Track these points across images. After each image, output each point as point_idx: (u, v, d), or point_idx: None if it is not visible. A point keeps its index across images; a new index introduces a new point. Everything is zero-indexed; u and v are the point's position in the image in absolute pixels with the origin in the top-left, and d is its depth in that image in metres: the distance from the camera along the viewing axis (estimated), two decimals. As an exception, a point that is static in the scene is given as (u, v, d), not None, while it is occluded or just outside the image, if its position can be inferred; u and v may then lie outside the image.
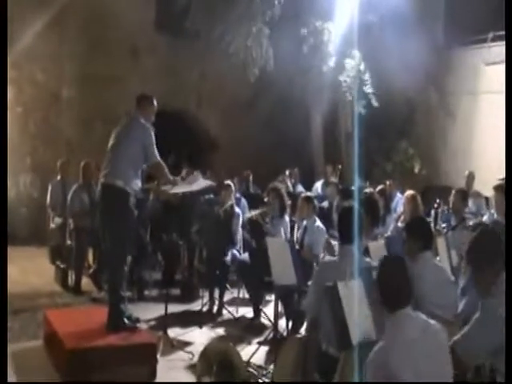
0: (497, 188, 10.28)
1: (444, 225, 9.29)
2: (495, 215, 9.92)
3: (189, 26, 15.64)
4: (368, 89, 16.40)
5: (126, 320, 7.57)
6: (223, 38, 15.41)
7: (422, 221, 7.11)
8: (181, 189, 9.49)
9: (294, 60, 16.01)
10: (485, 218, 10.12)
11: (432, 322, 4.25)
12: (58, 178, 12.03)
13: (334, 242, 8.75)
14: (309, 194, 10.93)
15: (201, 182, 9.19)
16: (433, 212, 9.62)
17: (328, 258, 8.01)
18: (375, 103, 16.32)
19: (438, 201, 9.52)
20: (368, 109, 16.03)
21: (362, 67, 16.46)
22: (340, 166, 15.65)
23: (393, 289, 4.20)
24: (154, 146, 7.66)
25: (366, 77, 16.48)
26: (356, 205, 6.28)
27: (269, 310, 9.37)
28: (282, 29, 15.81)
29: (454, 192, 9.85)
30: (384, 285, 4.24)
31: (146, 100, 7.96)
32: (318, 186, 15.37)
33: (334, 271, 5.41)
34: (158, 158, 7.74)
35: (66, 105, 15.94)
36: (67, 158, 12.33)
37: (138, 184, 7.66)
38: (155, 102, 8.01)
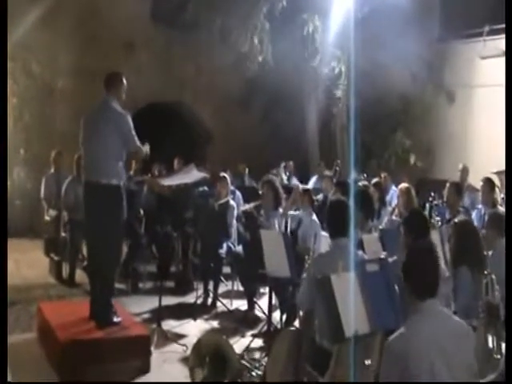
0: (484, 181, 10.33)
1: (438, 218, 9.29)
2: (482, 210, 9.94)
3: (188, 17, 15.59)
4: (339, 92, 16.59)
5: (114, 317, 7.52)
6: (225, 31, 15.40)
7: (419, 214, 7.12)
8: (175, 181, 9.46)
9: (290, 54, 16.00)
10: (474, 215, 10.13)
11: (461, 321, 4.20)
12: (52, 170, 12.01)
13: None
14: (306, 186, 10.93)
15: (195, 174, 9.17)
16: (427, 205, 9.62)
17: (321, 251, 8.00)
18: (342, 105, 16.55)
19: (432, 194, 9.51)
20: (358, 102, 16.07)
21: (337, 70, 16.58)
22: (339, 161, 15.64)
23: (424, 274, 4.12)
24: (133, 132, 7.42)
25: (341, 81, 16.61)
26: (351, 198, 6.29)
27: (263, 303, 9.37)
28: (279, 24, 15.81)
29: (448, 185, 9.85)
30: (414, 271, 4.14)
31: (115, 78, 7.61)
32: (314, 179, 15.37)
33: (327, 264, 5.40)
34: (138, 143, 7.53)
35: (61, 97, 15.91)
36: (61, 150, 12.27)
37: (124, 171, 7.54)
38: (124, 80, 7.66)
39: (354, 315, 4.51)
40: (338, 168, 14.49)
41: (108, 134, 7.34)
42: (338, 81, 16.83)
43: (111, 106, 7.45)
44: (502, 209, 9.86)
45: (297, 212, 9.78)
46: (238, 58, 16.07)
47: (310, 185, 14.52)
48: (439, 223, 9.10)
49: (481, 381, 4.90)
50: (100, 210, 7.42)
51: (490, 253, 6.89)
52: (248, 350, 7.78)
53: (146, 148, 7.81)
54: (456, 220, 7.62)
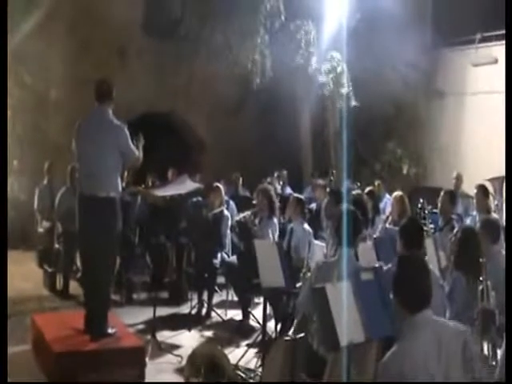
0: (478, 188, 10.35)
1: (432, 226, 9.30)
2: (477, 217, 9.95)
3: (183, 31, 15.56)
4: (344, 90, 16.53)
5: (109, 328, 7.48)
6: (223, 41, 15.39)
7: (415, 222, 7.13)
8: (169, 191, 9.45)
9: (283, 62, 16.00)
10: (468, 222, 10.15)
11: (457, 325, 4.17)
12: (45, 181, 11.99)
13: (322, 244, 8.76)
14: (299, 195, 10.92)
15: (189, 185, 9.17)
16: (421, 213, 9.62)
17: (316, 259, 7.98)
18: (354, 103, 16.43)
19: (421, 200, 9.52)
20: (351, 109, 16.09)
21: (339, 69, 16.54)
22: (334, 171, 15.64)
23: (414, 289, 4.06)
24: (130, 144, 7.38)
25: (344, 79, 16.57)
26: (345, 206, 6.29)
27: (257, 313, 9.35)
28: (274, 31, 15.82)
29: (442, 194, 9.85)
30: (404, 285, 4.09)
31: (108, 87, 7.49)
32: (308, 190, 15.36)
33: (327, 273, 5.42)
34: (136, 152, 7.49)
35: (54, 107, 15.89)
36: (54, 161, 12.25)
37: (120, 183, 7.53)
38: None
39: (349, 324, 4.50)
40: (332, 178, 14.49)
41: (107, 148, 7.29)
42: (341, 79, 16.77)
43: (108, 118, 7.39)
44: (495, 215, 9.87)
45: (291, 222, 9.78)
46: (233, 67, 16.05)
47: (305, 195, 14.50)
48: (433, 231, 9.11)
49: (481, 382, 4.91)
50: (96, 223, 7.38)
51: (484, 259, 6.90)
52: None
53: (140, 144, 7.75)
54: (460, 226, 7.64)
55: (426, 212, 9.40)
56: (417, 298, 4.05)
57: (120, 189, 7.53)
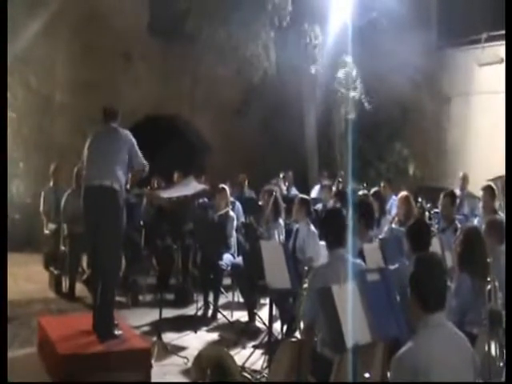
0: (484, 189, 10.30)
1: (437, 226, 9.28)
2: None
3: (188, 28, 15.51)
4: (357, 94, 16.52)
5: (115, 330, 7.49)
6: (228, 41, 15.34)
7: (422, 223, 7.12)
8: (174, 193, 9.46)
9: (290, 64, 15.99)
10: (475, 222, 10.10)
11: (461, 334, 4.19)
12: (51, 183, 11.99)
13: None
14: (304, 196, 10.89)
15: (194, 186, 9.16)
16: (426, 213, 9.60)
17: (321, 261, 7.97)
18: (367, 107, 16.42)
19: (419, 200, 9.47)
20: (360, 112, 16.07)
21: (354, 73, 16.53)
22: (342, 173, 15.61)
23: (432, 289, 4.07)
24: (138, 150, 7.69)
25: (357, 83, 16.56)
26: (350, 207, 6.28)
27: (263, 314, 9.33)
28: (281, 33, 15.81)
29: (442, 196, 9.76)
30: (422, 284, 4.10)
31: (116, 111, 7.95)
32: (316, 189, 15.34)
33: (328, 275, 5.38)
34: (144, 161, 7.76)
35: (59, 110, 15.90)
36: (59, 164, 12.25)
37: (124, 180, 7.63)
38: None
39: (355, 325, 4.48)
40: (340, 179, 14.44)
41: (115, 148, 7.54)
42: (354, 83, 16.75)
43: (116, 127, 7.71)
44: (501, 215, 9.82)
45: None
46: (239, 68, 16.03)
47: (313, 194, 14.47)
48: (436, 231, 9.09)
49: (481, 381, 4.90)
50: (101, 211, 7.44)
51: (491, 260, 6.88)
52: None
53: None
54: (465, 226, 7.62)
55: (427, 212, 9.37)
56: (434, 298, 4.07)
57: (123, 182, 7.56)
